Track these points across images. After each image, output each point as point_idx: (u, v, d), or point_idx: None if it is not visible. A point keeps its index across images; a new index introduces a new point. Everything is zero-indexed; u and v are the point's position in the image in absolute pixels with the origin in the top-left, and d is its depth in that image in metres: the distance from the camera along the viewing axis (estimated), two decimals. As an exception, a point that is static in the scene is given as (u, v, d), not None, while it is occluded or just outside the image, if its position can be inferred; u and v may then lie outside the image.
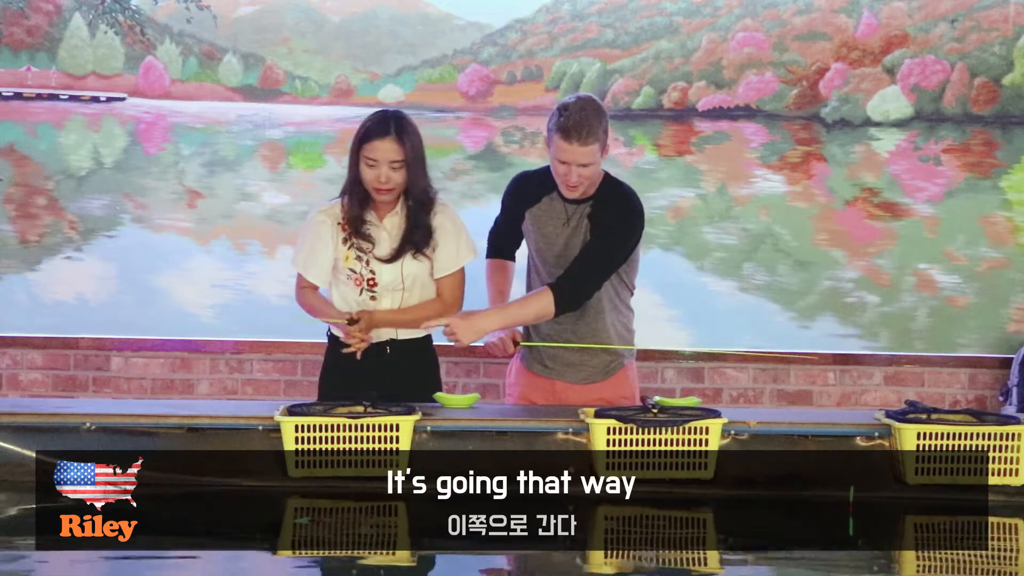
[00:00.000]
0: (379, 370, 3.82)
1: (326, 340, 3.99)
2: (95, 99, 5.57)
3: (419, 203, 3.79)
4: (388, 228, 3.82)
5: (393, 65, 5.62)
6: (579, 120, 3.61)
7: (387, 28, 5.63)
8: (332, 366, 3.93)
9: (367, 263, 3.82)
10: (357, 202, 3.80)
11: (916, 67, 5.53)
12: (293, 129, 5.58)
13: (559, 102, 3.72)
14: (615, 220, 3.75)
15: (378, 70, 5.61)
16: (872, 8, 5.53)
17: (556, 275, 3.79)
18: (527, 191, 3.89)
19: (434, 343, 3.98)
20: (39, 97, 5.58)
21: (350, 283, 3.84)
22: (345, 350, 3.79)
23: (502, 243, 4.05)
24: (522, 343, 3.92)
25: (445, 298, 3.87)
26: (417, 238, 3.80)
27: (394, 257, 3.80)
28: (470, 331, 3.64)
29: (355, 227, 3.81)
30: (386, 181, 3.72)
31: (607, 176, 3.83)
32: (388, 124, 3.73)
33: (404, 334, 3.89)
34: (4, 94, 5.57)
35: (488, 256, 4.06)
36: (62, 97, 5.58)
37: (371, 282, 3.83)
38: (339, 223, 3.83)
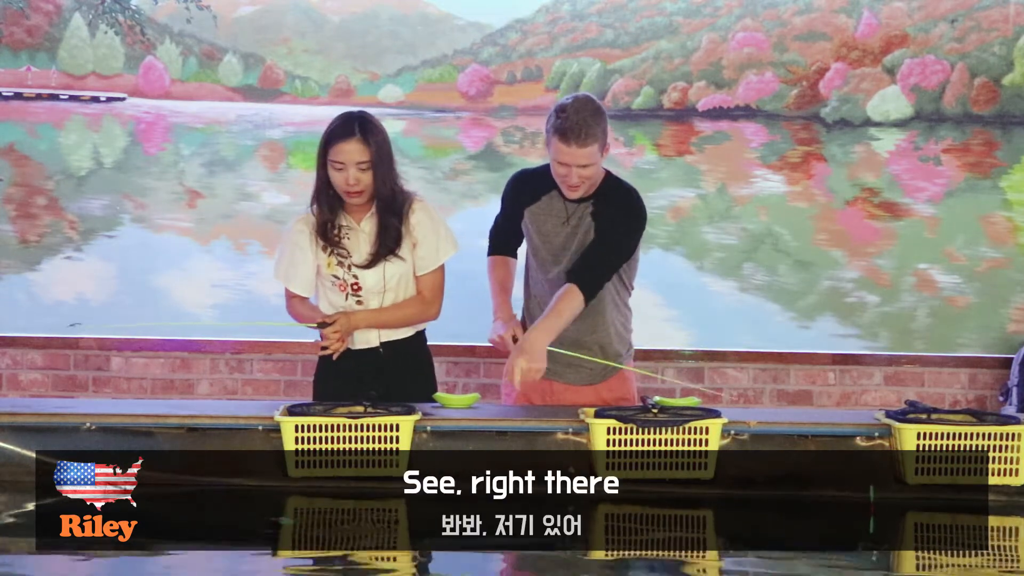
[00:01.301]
0: (373, 372, 3.81)
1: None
2: (95, 99, 5.57)
3: (386, 205, 3.74)
4: (367, 231, 3.78)
5: (393, 65, 5.62)
6: (577, 122, 3.59)
7: (387, 28, 5.63)
8: (326, 368, 3.91)
9: (349, 268, 3.79)
10: (327, 207, 3.76)
11: (916, 67, 5.53)
12: (293, 129, 5.58)
13: (557, 103, 3.70)
14: (619, 216, 3.76)
15: (378, 70, 5.61)
16: (872, 8, 5.53)
17: (555, 272, 3.80)
18: (526, 189, 3.89)
19: (428, 342, 3.97)
20: (39, 97, 5.58)
21: (335, 288, 3.82)
22: (321, 352, 3.77)
23: (503, 240, 4.03)
24: None
25: (425, 296, 3.84)
26: (388, 240, 3.75)
27: (372, 262, 3.77)
28: (538, 357, 3.57)
29: (324, 233, 3.77)
30: (355, 183, 3.67)
31: (608, 175, 3.82)
32: (352, 125, 3.67)
33: (396, 335, 3.87)
34: (4, 94, 5.57)
35: (490, 254, 4.04)
36: (62, 97, 5.58)
37: (355, 287, 3.80)
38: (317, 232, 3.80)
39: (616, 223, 3.75)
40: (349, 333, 3.77)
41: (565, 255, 3.80)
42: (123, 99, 5.57)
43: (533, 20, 5.62)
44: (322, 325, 3.73)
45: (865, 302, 5.56)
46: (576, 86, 5.55)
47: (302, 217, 3.84)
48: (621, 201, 3.79)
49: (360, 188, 3.69)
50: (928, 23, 5.53)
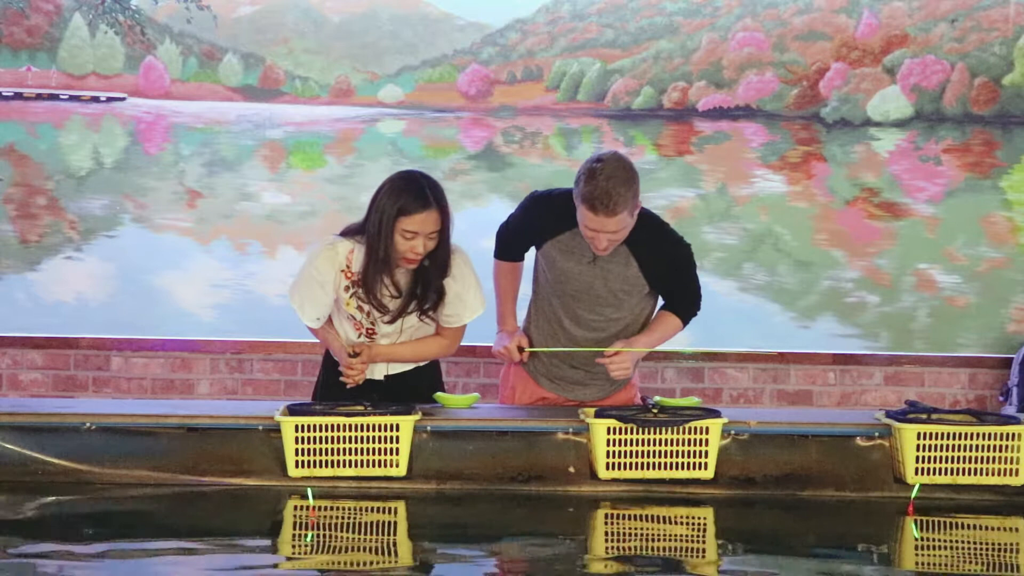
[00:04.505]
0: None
1: (322, 358, 3.94)
2: (95, 99, 5.57)
3: (439, 266, 3.62)
4: (400, 288, 3.66)
5: (393, 65, 5.62)
6: (606, 190, 3.44)
7: (387, 28, 5.63)
8: (327, 390, 3.84)
9: (368, 314, 3.69)
10: (377, 271, 3.60)
11: (916, 67, 5.53)
12: (293, 129, 5.58)
13: (589, 162, 3.54)
14: (675, 251, 3.81)
15: (378, 70, 5.61)
16: (872, 8, 5.53)
17: (574, 308, 3.77)
18: (548, 221, 3.75)
19: (440, 369, 3.94)
20: (39, 97, 5.58)
21: (350, 324, 3.75)
22: (342, 378, 3.69)
23: (513, 245, 3.95)
24: (528, 349, 3.86)
25: (446, 339, 3.77)
26: (428, 300, 3.65)
27: (396, 317, 3.68)
28: (632, 363, 3.73)
29: (372, 295, 3.62)
30: (423, 251, 3.55)
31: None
32: (425, 194, 3.53)
33: (402, 367, 3.82)
34: (4, 94, 5.56)
35: (497, 256, 3.97)
36: (62, 97, 5.58)
37: (370, 331, 3.73)
38: (342, 270, 3.66)
39: (682, 259, 3.82)
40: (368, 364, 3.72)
41: (592, 294, 3.73)
42: (123, 99, 5.57)
43: (533, 20, 5.62)
44: (353, 355, 3.65)
45: (865, 302, 5.56)
46: (576, 86, 5.55)
47: (330, 249, 3.67)
48: (665, 239, 3.78)
49: (424, 254, 3.57)
50: (928, 23, 5.53)
